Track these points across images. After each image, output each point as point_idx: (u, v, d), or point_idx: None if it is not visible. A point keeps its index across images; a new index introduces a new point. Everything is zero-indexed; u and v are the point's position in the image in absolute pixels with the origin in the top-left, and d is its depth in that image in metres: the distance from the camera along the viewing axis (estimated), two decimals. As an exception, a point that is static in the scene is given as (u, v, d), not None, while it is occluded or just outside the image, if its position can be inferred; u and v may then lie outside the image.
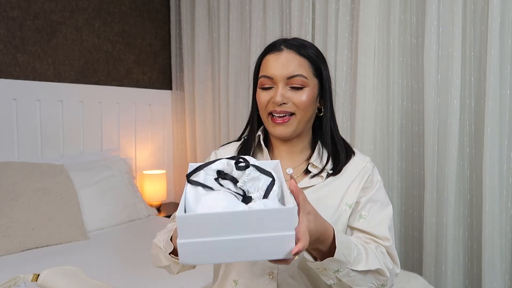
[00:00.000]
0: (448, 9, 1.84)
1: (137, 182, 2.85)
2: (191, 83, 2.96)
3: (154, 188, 2.81)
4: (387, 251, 0.96)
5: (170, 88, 3.11)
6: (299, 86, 0.97)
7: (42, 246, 1.93)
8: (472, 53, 1.82)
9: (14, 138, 2.30)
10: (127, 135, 2.84)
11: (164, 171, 2.92)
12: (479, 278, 1.81)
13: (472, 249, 1.87)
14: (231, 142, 1.15)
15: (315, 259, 0.86)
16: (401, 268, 1.99)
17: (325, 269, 0.84)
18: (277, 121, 0.98)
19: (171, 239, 0.92)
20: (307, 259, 0.85)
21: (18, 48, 2.34)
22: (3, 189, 1.94)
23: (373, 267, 0.88)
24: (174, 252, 0.92)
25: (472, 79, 1.83)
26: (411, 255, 2.07)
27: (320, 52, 1.03)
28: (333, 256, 0.82)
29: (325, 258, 0.83)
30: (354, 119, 2.13)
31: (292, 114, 0.98)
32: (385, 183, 2.05)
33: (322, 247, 0.83)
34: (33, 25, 2.39)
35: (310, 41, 2.25)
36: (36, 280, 1.35)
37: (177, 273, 1.01)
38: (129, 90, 2.84)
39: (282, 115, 0.97)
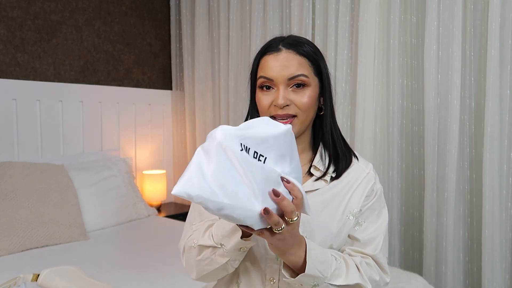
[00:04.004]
0: (448, 9, 1.84)
1: (137, 182, 2.85)
2: (191, 83, 2.96)
3: (154, 188, 2.81)
4: (374, 260, 0.95)
5: (170, 88, 3.11)
6: (301, 83, 0.94)
7: (42, 246, 1.93)
8: (472, 53, 1.82)
9: (14, 138, 2.30)
10: (127, 135, 2.84)
11: (164, 171, 2.92)
12: (479, 278, 1.81)
13: (472, 249, 1.87)
14: None
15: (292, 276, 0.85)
16: (401, 268, 2.00)
17: (301, 284, 0.84)
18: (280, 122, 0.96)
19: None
20: (284, 275, 0.85)
21: (18, 48, 2.34)
22: (3, 189, 1.94)
23: (352, 282, 0.88)
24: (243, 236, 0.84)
25: (472, 79, 1.83)
26: (411, 255, 2.07)
27: (317, 48, 1.01)
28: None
29: (299, 273, 0.83)
30: (354, 119, 2.13)
31: (294, 116, 0.95)
32: (385, 183, 2.05)
33: (295, 258, 0.83)
34: (33, 25, 2.39)
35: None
36: (36, 280, 1.35)
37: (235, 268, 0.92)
38: (129, 90, 2.84)
39: (285, 118, 0.94)
